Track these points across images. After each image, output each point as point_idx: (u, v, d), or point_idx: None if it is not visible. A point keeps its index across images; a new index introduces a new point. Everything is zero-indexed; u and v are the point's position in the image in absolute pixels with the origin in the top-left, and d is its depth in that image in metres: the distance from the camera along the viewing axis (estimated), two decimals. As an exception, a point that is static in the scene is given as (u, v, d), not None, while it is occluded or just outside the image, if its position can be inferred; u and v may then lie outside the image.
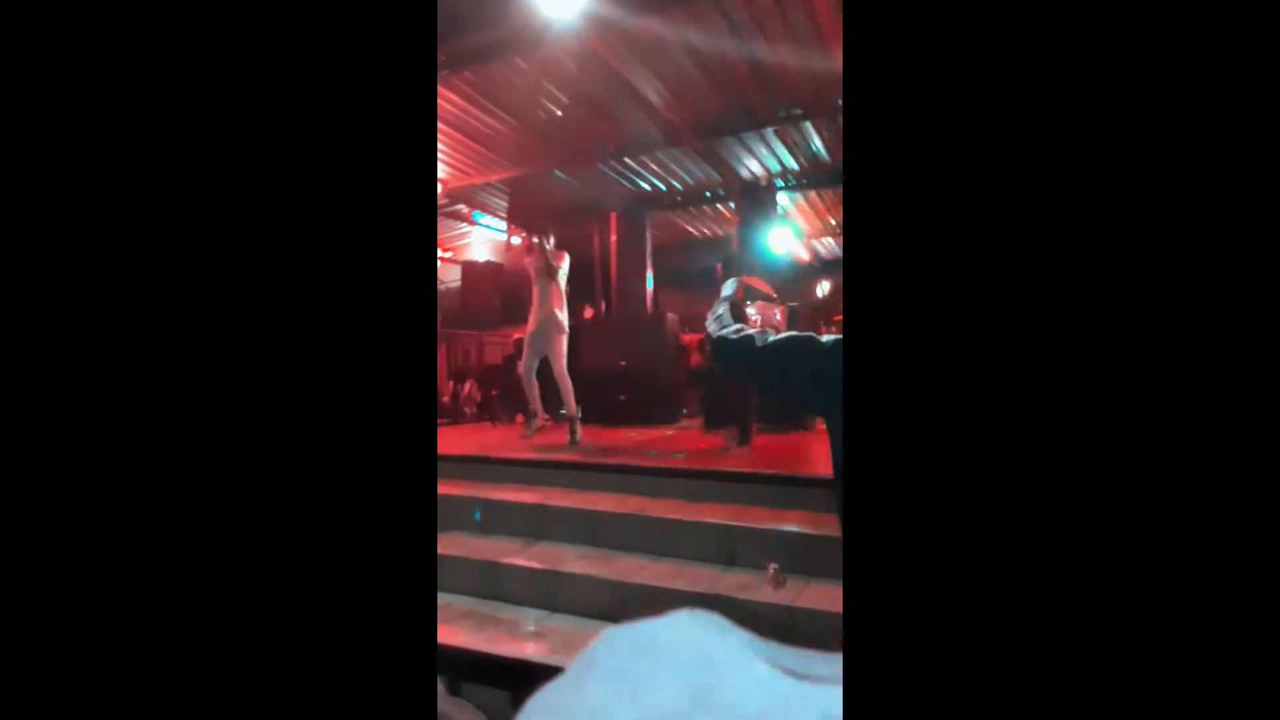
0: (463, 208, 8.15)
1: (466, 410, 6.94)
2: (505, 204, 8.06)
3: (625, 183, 7.21)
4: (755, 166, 6.64)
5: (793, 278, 6.36)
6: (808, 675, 0.24)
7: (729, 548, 2.89)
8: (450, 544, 3.18)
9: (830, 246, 9.43)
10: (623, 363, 5.78)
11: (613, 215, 7.22)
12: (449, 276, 8.73)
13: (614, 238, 7.19)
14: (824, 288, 10.25)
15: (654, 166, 6.88)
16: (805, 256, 9.02)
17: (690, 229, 8.90)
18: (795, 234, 7.69)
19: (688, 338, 6.06)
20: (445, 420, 6.58)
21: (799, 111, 5.47)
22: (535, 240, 4.46)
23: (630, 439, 4.84)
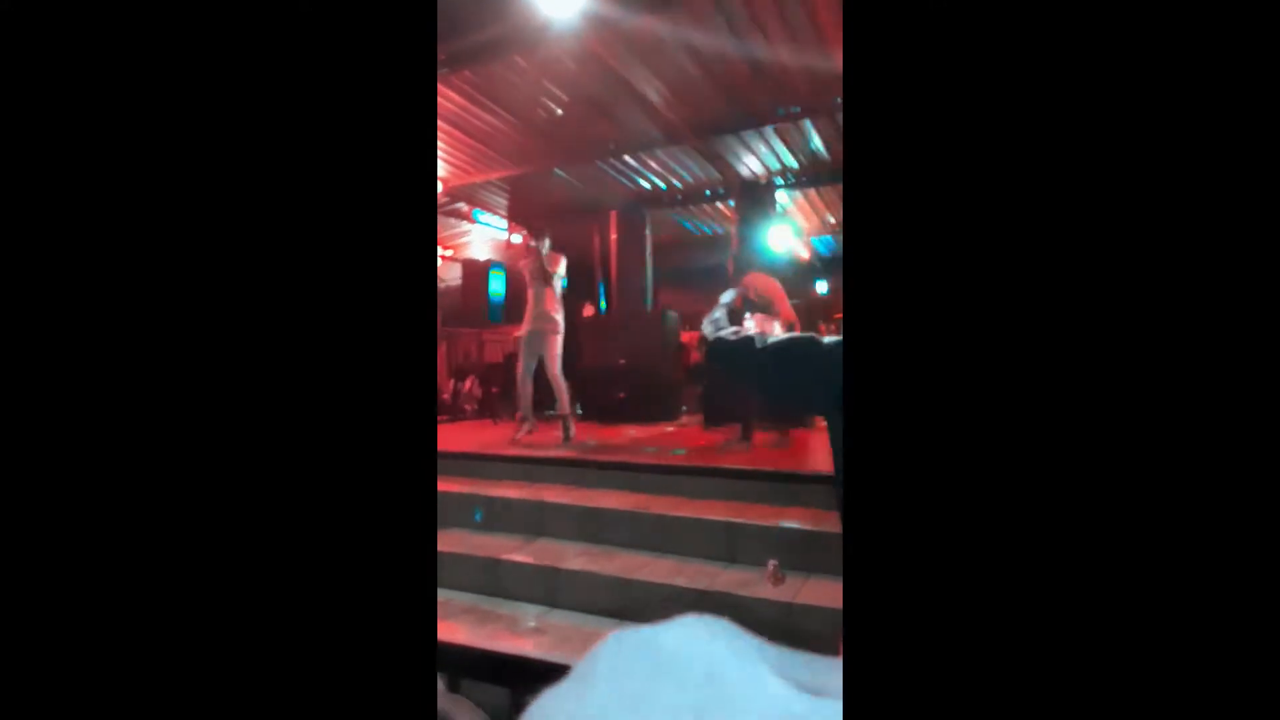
0: (463, 206, 8.13)
1: (467, 408, 6.95)
2: (505, 202, 8.05)
3: (625, 181, 7.20)
4: (754, 165, 6.63)
5: (793, 275, 6.34)
6: (818, 688, 0.23)
7: (729, 544, 2.89)
8: (450, 541, 3.18)
9: (829, 245, 9.42)
10: (622, 360, 5.77)
11: (612, 213, 7.21)
12: (450, 275, 8.72)
13: (614, 236, 7.18)
14: (823, 286, 10.23)
15: (653, 165, 6.87)
16: (804, 255, 9.00)
17: (690, 227, 8.89)
18: (795, 232, 7.68)
19: (687, 335, 6.06)
20: (446, 417, 6.58)
21: (798, 110, 5.46)
22: (531, 244, 4.45)
23: (630, 436, 4.84)
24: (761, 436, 4.32)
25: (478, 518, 3.39)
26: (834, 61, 4.41)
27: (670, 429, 5.26)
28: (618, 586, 2.71)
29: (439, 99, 5.21)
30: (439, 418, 6.05)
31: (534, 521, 3.34)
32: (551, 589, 2.84)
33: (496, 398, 6.53)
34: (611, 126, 5.85)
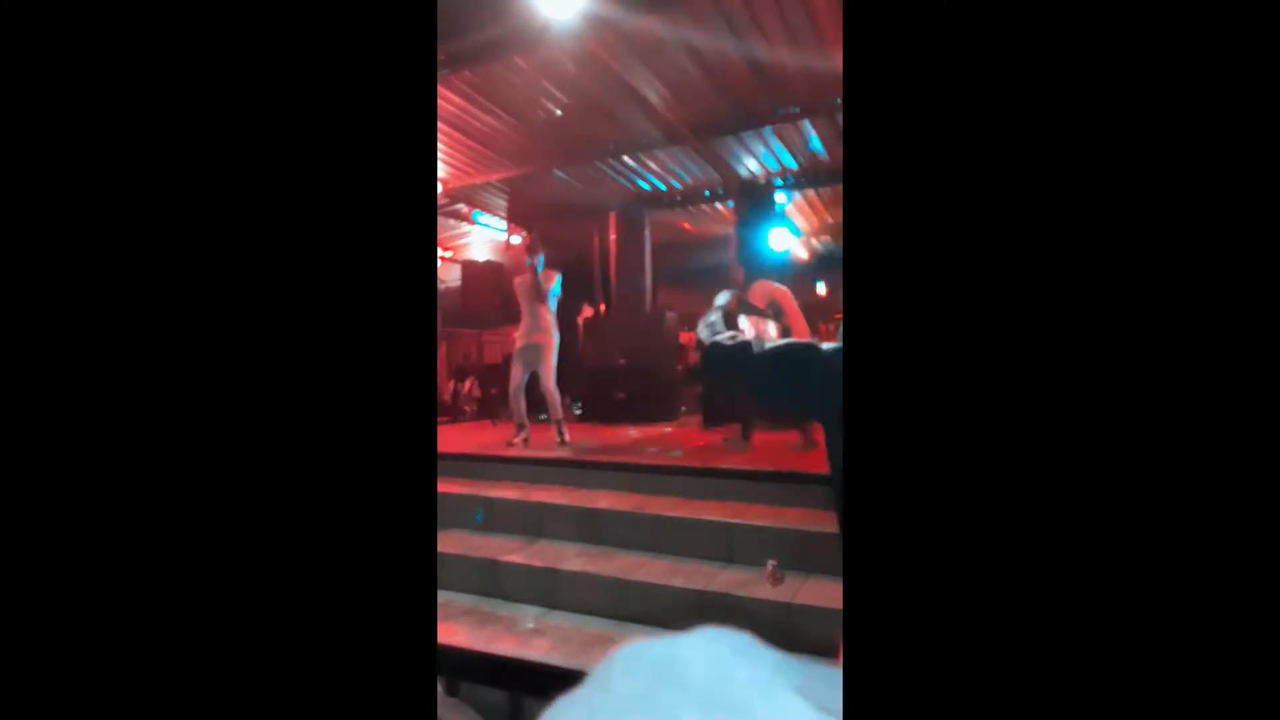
0: (462, 207, 8.13)
1: (466, 409, 6.94)
2: (505, 203, 8.05)
3: (624, 182, 7.20)
4: (754, 165, 6.64)
5: (791, 276, 6.34)
6: (840, 706, 0.23)
7: (727, 545, 2.89)
8: (449, 542, 3.18)
9: (828, 245, 9.42)
10: (621, 360, 5.77)
11: (612, 214, 7.21)
12: (449, 276, 8.71)
13: (613, 236, 7.18)
14: (821, 287, 10.24)
15: (653, 165, 6.87)
16: (804, 255, 9.00)
17: (689, 228, 8.88)
18: (794, 232, 7.68)
19: (686, 336, 6.06)
20: (445, 419, 6.58)
21: (797, 110, 5.46)
22: (527, 260, 4.46)
23: (629, 436, 4.84)
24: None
25: (478, 518, 3.39)
26: (833, 62, 4.41)
27: (669, 429, 5.25)
28: (616, 587, 2.71)
29: (438, 100, 5.20)
30: (438, 419, 6.04)
31: (533, 522, 3.33)
32: (550, 590, 2.83)
33: (496, 399, 6.53)
34: (611, 127, 5.85)
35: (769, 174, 6.74)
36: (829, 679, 0.25)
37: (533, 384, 4.53)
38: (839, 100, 5.04)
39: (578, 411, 5.48)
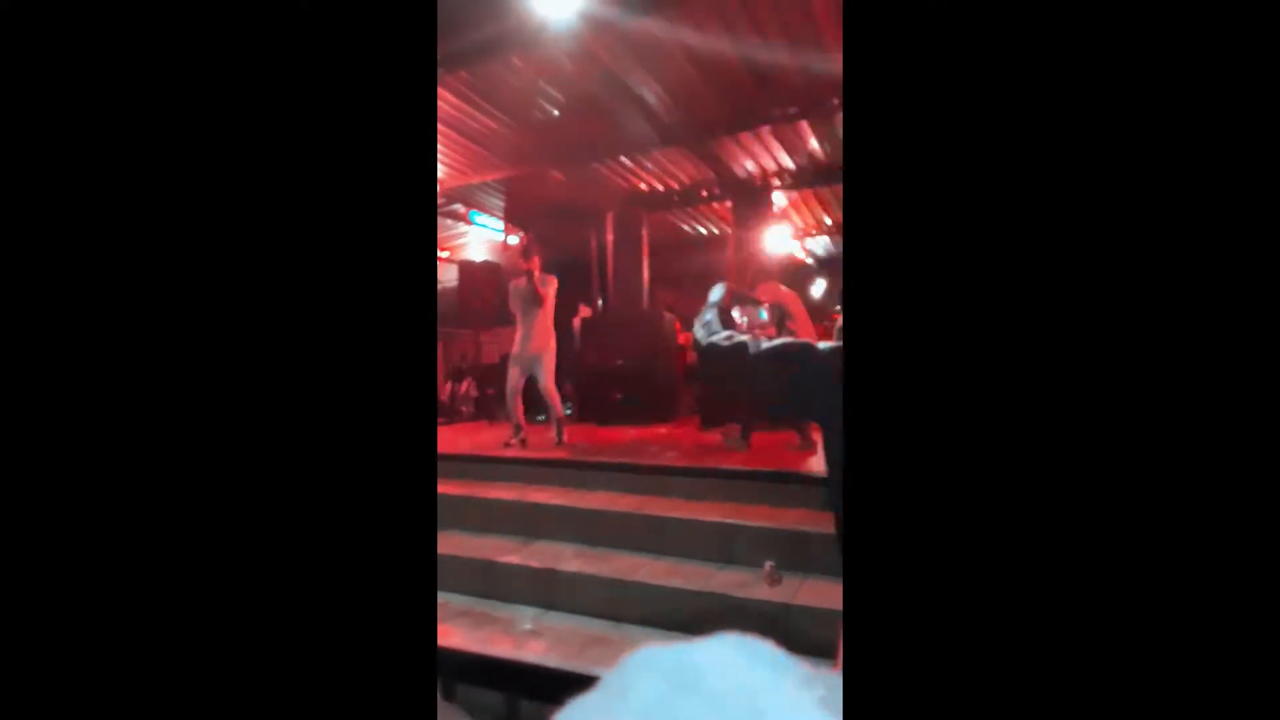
0: (459, 207, 8.12)
1: (463, 409, 6.94)
2: (502, 203, 8.04)
3: (621, 182, 7.20)
4: (751, 165, 6.64)
5: (789, 276, 6.35)
6: None
7: (726, 545, 2.89)
8: (447, 543, 3.17)
9: (825, 245, 9.43)
10: (619, 361, 5.77)
11: (609, 214, 7.21)
12: (446, 276, 8.71)
13: (610, 237, 7.18)
14: (820, 286, 10.25)
15: (650, 166, 6.87)
16: (801, 255, 9.02)
17: (686, 228, 8.89)
18: (790, 233, 7.70)
19: (684, 336, 6.06)
20: (442, 419, 6.57)
21: (794, 110, 5.46)
22: (525, 266, 4.45)
23: (627, 437, 4.84)
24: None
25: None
26: (831, 63, 4.41)
27: (666, 430, 5.25)
28: (614, 588, 2.70)
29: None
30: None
31: (530, 523, 3.33)
32: (548, 590, 2.83)
33: (493, 399, 6.52)
34: (608, 127, 5.84)
35: (766, 174, 6.75)
36: None
37: (530, 385, 4.53)
38: (836, 101, 5.05)
39: (568, 412, 5.45)
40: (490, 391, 6.68)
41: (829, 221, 8.46)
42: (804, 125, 5.77)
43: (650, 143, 6.14)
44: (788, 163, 6.56)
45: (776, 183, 6.78)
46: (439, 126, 5.78)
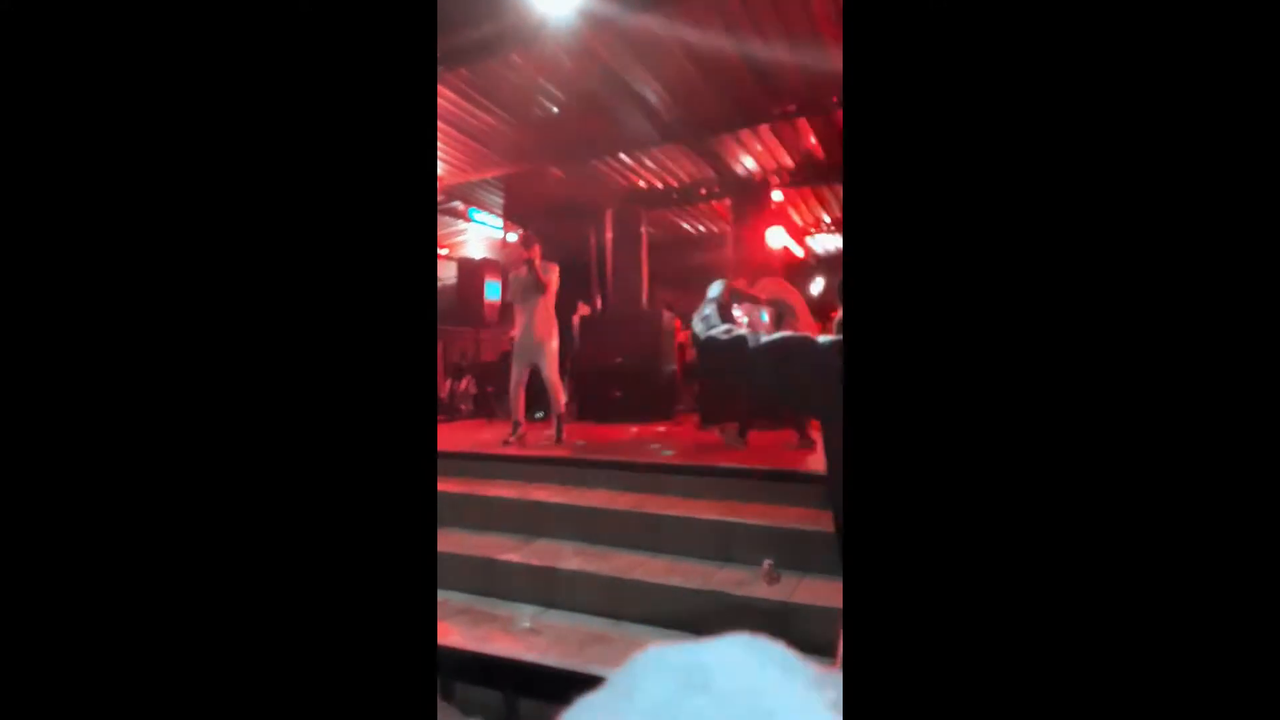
0: (458, 205, 8.11)
1: (462, 407, 6.93)
2: (501, 201, 8.03)
3: (620, 179, 7.19)
4: (750, 163, 6.63)
5: (788, 275, 6.34)
6: None
7: (724, 544, 2.89)
8: (445, 541, 3.17)
9: (824, 243, 9.43)
10: (618, 359, 5.77)
11: (608, 212, 7.20)
12: (445, 274, 8.70)
13: (609, 234, 7.17)
14: (819, 284, 10.24)
15: (649, 163, 6.86)
16: (799, 253, 9.01)
17: (685, 225, 8.88)
18: (789, 231, 7.69)
19: (683, 334, 6.06)
20: (441, 417, 6.56)
21: (793, 108, 5.46)
22: (525, 253, 4.43)
23: (626, 435, 4.83)
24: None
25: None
26: (830, 60, 4.40)
27: (665, 428, 5.25)
28: (613, 586, 2.70)
29: (434, 97, 5.15)
30: (434, 417, 6.01)
31: (529, 521, 3.33)
32: (547, 588, 2.83)
33: (492, 397, 6.52)
34: (607, 125, 5.84)
35: (765, 172, 6.74)
36: None
37: (533, 378, 4.49)
38: (835, 99, 5.04)
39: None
40: (490, 389, 6.67)
41: (827, 220, 8.46)
42: (803, 123, 5.76)
43: (649, 140, 6.13)
44: (787, 160, 6.55)
45: (776, 180, 6.76)
46: (439, 124, 5.77)
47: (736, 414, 4.35)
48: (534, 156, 6.52)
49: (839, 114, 5.15)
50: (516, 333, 4.48)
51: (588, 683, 0.24)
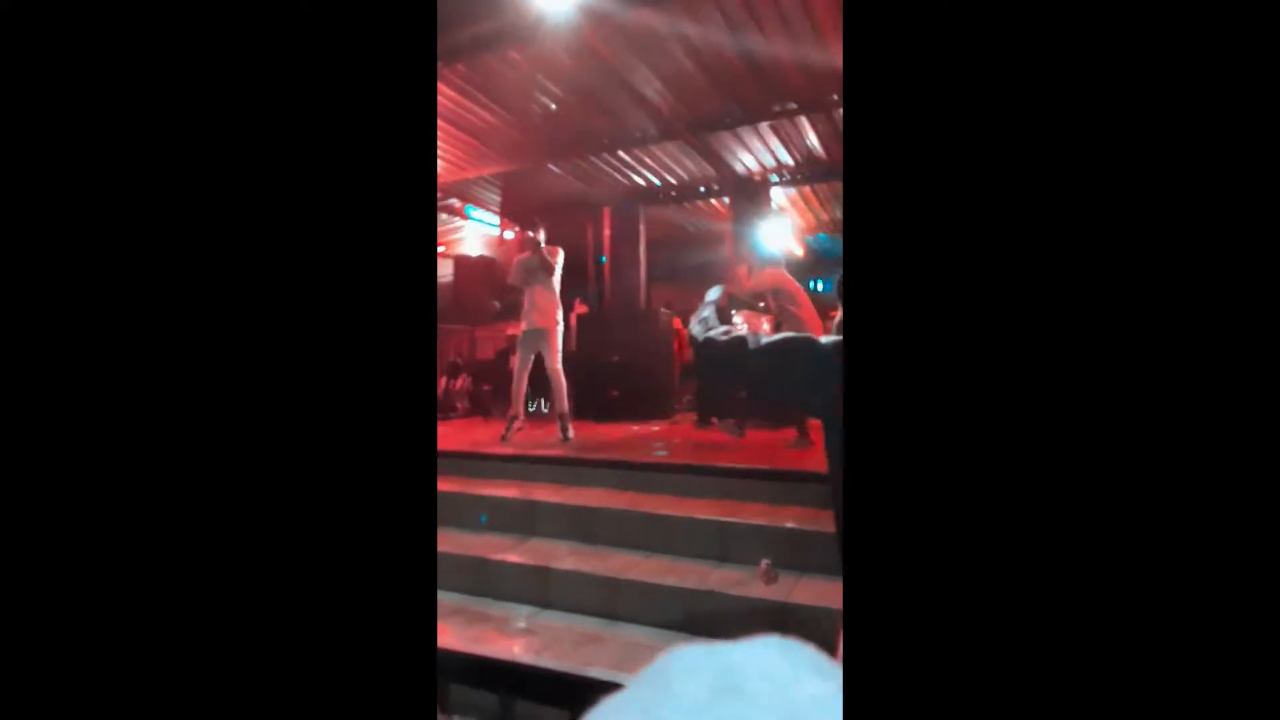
0: (455, 202, 8.11)
1: (459, 405, 6.92)
2: (498, 198, 8.03)
3: (619, 177, 7.19)
4: (750, 161, 6.63)
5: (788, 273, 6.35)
6: None
7: (721, 543, 2.88)
8: (441, 540, 3.16)
9: (824, 241, 9.44)
10: (615, 357, 5.77)
11: (606, 210, 7.20)
12: (441, 271, 8.70)
13: (608, 232, 7.18)
14: (818, 285, 10.26)
15: (648, 161, 6.86)
16: (799, 252, 9.03)
17: (684, 224, 8.89)
18: (789, 229, 7.71)
19: (682, 333, 6.06)
20: (438, 415, 6.56)
21: (794, 106, 5.46)
22: (530, 235, 4.40)
23: (623, 434, 4.83)
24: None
25: (483, 520, 3.37)
26: (830, 58, 4.41)
27: (662, 427, 5.25)
28: (609, 586, 2.70)
29: (432, 93, 5.15)
30: (431, 414, 6.02)
31: (525, 521, 3.32)
32: (543, 588, 2.82)
33: (489, 395, 6.51)
34: (606, 122, 5.84)
35: (765, 170, 6.74)
36: None
37: (536, 369, 4.42)
38: (836, 96, 5.04)
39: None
40: (486, 387, 6.66)
41: (827, 218, 8.47)
42: (803, 120, 5.76)
43: (648, 137, 6.13)
44: (786, 158, 6.55)
45: (775, 178, 6.77)
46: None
47: (735, 413, 4.36)
48: (532, 153, 6.52)
49: (839, 111, 5.15)
50: (522, 317, 4.41)
51: (584, 684, 0.23)
